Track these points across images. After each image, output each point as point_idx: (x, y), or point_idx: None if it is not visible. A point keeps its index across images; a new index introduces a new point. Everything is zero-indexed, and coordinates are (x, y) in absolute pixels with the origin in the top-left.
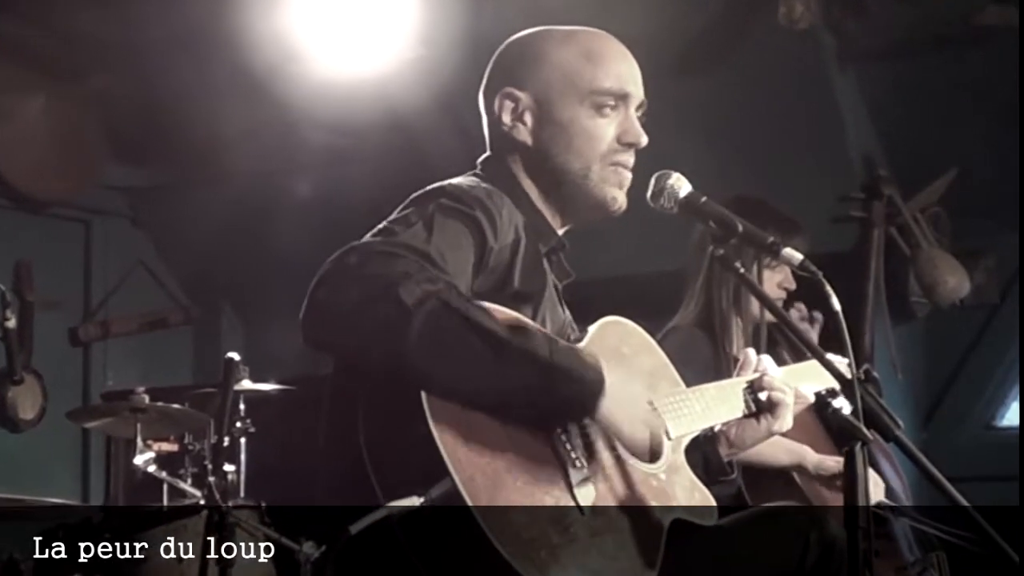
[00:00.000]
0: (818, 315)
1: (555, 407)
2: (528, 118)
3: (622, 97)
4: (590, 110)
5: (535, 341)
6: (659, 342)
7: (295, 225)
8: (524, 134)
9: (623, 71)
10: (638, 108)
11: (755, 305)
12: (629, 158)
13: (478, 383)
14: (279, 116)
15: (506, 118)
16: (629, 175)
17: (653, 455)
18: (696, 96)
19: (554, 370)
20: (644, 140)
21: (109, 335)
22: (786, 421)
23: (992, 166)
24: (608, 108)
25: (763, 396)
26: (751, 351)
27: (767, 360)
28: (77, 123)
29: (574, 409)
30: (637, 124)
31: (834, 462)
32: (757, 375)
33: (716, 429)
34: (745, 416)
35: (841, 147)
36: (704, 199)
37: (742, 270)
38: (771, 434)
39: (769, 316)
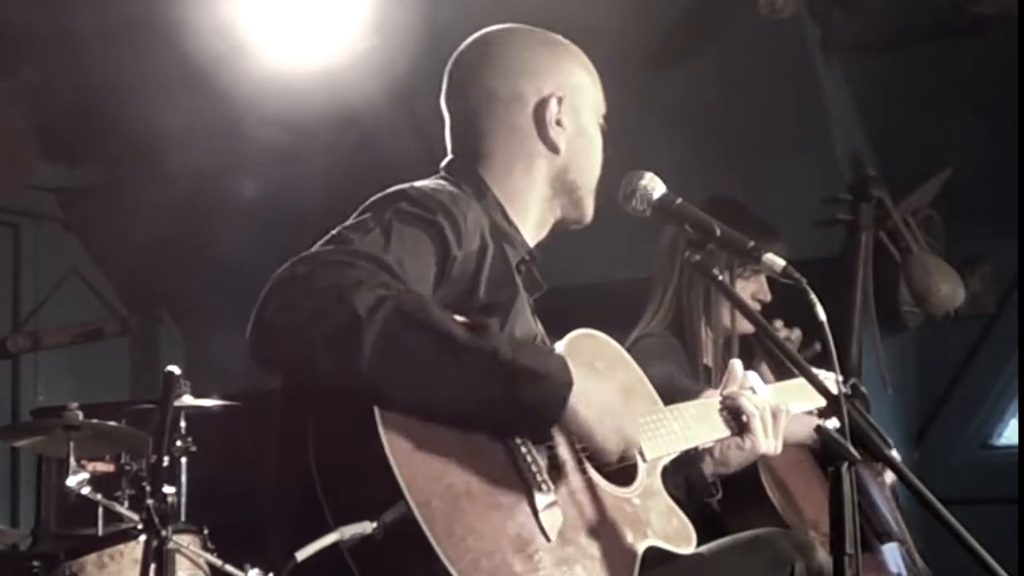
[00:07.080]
0: (794, 334)
1: (519, 412)
2: (567, 123)
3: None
4: (597, 126)
5: (496, 342)
6: (629, 350)
7: (240, 228)
8: (561, 139)
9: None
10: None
11: (727, 316)
12: None
13: (436, 391)
14: (223, 112)
15: (550, 117)
16: None
17: (628, 478)
18: (670, 91)
19: (518, 371)
20: None
21: (40, 347)
22: (763, 443)
23: (988, 166)
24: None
25: (740, 415)
26: (737, 362)
27: (753, 377)
28: (4, 119)
29: (540, 413)
30: None
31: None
32: (728, 392)
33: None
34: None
35: (826, 145)
36: (679, 201)
37: (720, 277)
38: (755, 455)
39: (741, 328)
